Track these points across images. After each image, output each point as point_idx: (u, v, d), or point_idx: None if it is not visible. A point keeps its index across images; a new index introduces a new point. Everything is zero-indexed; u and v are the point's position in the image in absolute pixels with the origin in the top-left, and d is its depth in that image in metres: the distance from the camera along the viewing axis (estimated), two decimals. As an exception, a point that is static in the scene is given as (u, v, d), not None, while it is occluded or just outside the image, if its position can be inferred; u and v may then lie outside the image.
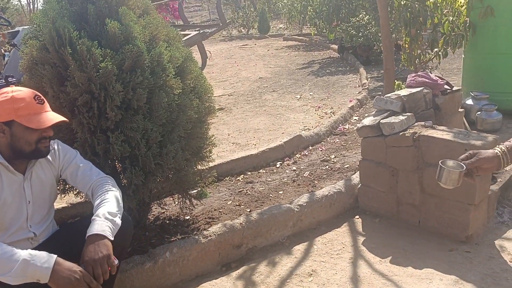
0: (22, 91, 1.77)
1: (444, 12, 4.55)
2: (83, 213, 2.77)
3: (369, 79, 6.91)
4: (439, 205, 2.59)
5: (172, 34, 2.65)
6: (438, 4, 4.51)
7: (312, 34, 11.92)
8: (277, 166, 3.82)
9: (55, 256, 1.58)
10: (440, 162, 1.59)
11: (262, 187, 3.38)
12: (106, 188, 1.92)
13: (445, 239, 2.55)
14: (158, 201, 2.81)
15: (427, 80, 3.23)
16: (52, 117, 1.80)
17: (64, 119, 1.84)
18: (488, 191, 2.64)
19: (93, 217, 1.77)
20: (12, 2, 27.48)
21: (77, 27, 2.25)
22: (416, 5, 4.47)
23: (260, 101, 6.41)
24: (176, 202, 2.80)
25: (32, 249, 1.63)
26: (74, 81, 2.15)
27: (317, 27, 10.98)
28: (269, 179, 3.54)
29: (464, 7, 4.50)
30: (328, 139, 4.43)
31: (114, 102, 2.19)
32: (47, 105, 1.83)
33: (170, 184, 2.54)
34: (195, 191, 2.75)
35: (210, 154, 2.80)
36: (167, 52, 2.44)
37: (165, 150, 2.36)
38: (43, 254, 1.58)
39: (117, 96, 2.19)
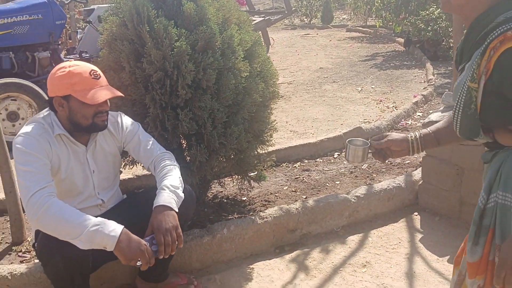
0: (78, 66, 1.82)
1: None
2: (148, 185, 2.91)
3: (435, 75, 6.65)
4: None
5: (243, 18, 2.69)
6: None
7: (377, 26, 11.61)
8: (335, 156, 3.80)
9: (122, 226, 1.64)
10: (347, 141, 1.63)
11: (319, 175, 3.39)
12: (168, 162, 2.00)
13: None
14: (218, 180, 2.89)
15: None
16: (107, 92, 1.83)
17: (119, 94, 1.88)
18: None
19: (158, 189, 1.85)
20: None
21: (155, 6, 2.34)
22: None
23: (319, 91, 6.36)
24: (235, 183, 2.87)
25: (100, 215, 1.72)
26: (150, 58, 2.25)
27: (383, 19, 10.69)
28: (326, 169, 3.53)
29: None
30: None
31: (186, 81, 2.27)
32: (103, 80, 1.87)
33: (231, 164, 2.60)
34: (254, 173, 2.80)
35: (271, 139, 2.84)
36: (238, 35, 2.49)
37: (229, 130, 2.42)
38: (112, 223, 1.64)
39: (188, 75, 2.26)
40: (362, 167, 3.49)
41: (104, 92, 1.83)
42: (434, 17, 7.98)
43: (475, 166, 2.59)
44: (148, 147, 2.06)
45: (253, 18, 6.76)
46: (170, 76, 2.29)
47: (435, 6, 8.23)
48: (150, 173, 2.11)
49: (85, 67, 1.83)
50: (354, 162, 1.66)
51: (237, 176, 2.78)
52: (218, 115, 2.38)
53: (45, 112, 1.91)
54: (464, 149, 2.63)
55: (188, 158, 2.50)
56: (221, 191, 3.02)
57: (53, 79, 1.82)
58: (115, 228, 1.62)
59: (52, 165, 1.79)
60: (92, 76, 1.82)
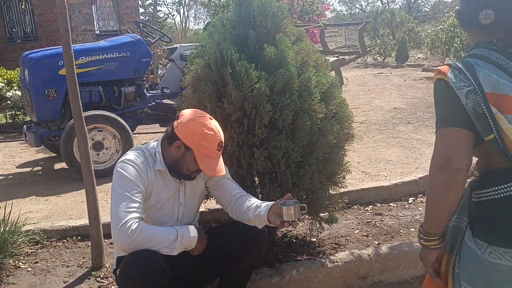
0: (213, 132, 1.95)
1: None
2: (219, 219, 2.98)
3: None
4: None
5: (321, 61, 2.75)
6: None
7: (454, 66, 11.25)
8: (410, 201, 3.67)
9: (193, 226, 1.97)
10: (280, 203, 1.87)
11: (392, 221, 3.28)
12: (255, 199, 2.10)
13: None
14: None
15: None
16: (218, 168, 1.99)
17: (224, 172, 2.05)
18: None
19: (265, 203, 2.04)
20: (167, 20, 30.74)
21: (238, 49, 2.47)
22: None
23: (393, 132, 6.22)
24: (305, 223, 2.86)
25: None
26: (231, 99, 2.35)
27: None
28: (400, 214, 3.42)
29: None
30: (469, 180, 4.11)
31: (263, 121, 2.34)
32: (221, 153, 2.03)
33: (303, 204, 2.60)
34: (325, 214, 2.78)
35: (344, 180, 2.82)
36: (315, 77, 2.54)
37: (302, 170, 2.44)
38: (187, 226, 1.95)
39: (266, 115, 2.34)
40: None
41: (216, 167, 1.99)
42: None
43: None
44: (228, 186, 2.16)
45: (328, 58, 6.85)
46: (248, 116, 2.37)
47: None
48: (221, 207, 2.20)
49: (218, 137, 1.98)
50: (288, 221, 1.84)
51: (308, 216, 2.77)
52: (293, 155, 2.41)
53: (153, 141, 2.08)
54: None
55: (260, 195, 2.54)
56: (291, 230, 3.02)
57: (189, 127, 1.96)
58: (192, 229, 1.95)
59: (146, 192, 1.94)
60: (218, 148, 1.99)
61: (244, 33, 2.56)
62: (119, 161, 1.95)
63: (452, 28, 9.75)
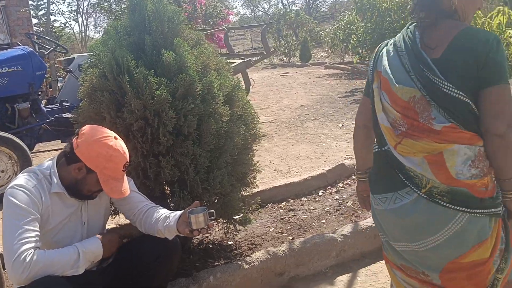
0: (119, 154, 1.84)
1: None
2: (131, 234, 2.86)
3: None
4: None
5: (222, 64, 2.75)
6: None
7: (354, 62, 11.93)
8: (320, 194, 3.81)
9: (96, 236, 1.87)
10: (187, 212, 1.84)
11: (305, 215, 3.38)
12: (164, 210, 2.02)
13: None
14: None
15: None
16: (124, 189, 1.89)
17: (128, 193, 1.94)
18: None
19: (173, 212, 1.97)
20: (65, 29, 29.11)
21: (135, 56, 2.38)
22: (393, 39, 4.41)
23: (301, 129, 6.44)
24: (220, 227, 2.84)
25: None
26: (131, 108, 2.26)
27: (359, 55, 11.02)
28: (312, 208, 3.53)
29: (513, 38, 4.41)
30: (372, 168, 4.37)
31: (167, 128, 2.28)
32: (125, 173, 1.93)
33: (215, 208, 2.58)
34: (239, 216, 2.79)
35: (254, 181, 2.84)
36: (217, 80, 2.53)
37: (212, 175, 2.42)
38: (87, 240, 1.86)
39: (169, 122, 2.28)
40: (347, 204, 3.50)
41: (120, 189, 1.88)
42: (408, 52, 8.27)
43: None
44: (135, 197, 2.07)
45: (233, 61, 6.90)
46: (151, 124, 2.30)
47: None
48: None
49: (124, 158, 1.87)
50: (197, 229, 1.82)
51: (222, 220, 2.75)
52: (201, 160, 2.38)
53: (47, 160, 1.92)
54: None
55: (172, 205, 2.48)
56: (207, 236, 2.98)
57: (93, 149, 1.81)
58: (95, 240, 1.84)
59: (42, 217, 1.78)
60: (123, 169, 1.87)
61: (140, 39, 2.48)
62: (8, 187, 1.77)
63: (348, 26, 10.34)
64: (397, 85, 1.50)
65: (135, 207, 2.06)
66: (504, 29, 4.47)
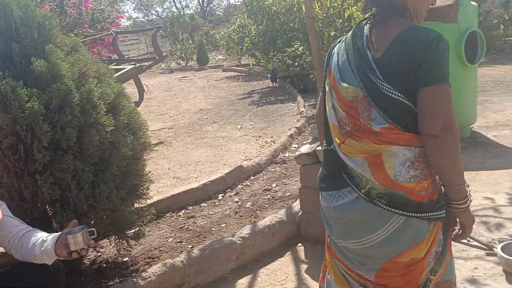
0: None
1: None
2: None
3: (307, 106, 7.11)
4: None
5: (103, 70, 2.60)
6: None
7: (251, 65, 12.17)
8: (219, 198, 3.79)
9: None
10: (64, 233, 1.72)
11: (204, 221, 3.33)
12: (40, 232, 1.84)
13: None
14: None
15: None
16: None
17: (1, 217, 1.76)
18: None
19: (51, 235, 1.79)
20: None
21: (1, 67, 2.15)
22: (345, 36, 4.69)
23: (200, 133, 6.39)
24: (113, 244, 2.68)
25: None
26: (-3, 123, 2.03)
27: (255, 57, 11.25)
28: (211, 213, 3.49)
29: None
30: (269, 168, 4.47)
31: (42, 143, 2.09)
32: None
33: (105, 225, 2.43)
34: (132, 231, 2.65)
35: (148, 191, 2.73)
36: (98, 88, 2.38)
37: (98, 190, 2.27)
38: None
39: (44, 136, 2.09)
40: (246, 205, 3.52)
41: None
42: (299, 53, 8.61)
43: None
44: (8, 222, 1.86)
45: (123, 67, 6.62)
46: (23, 140, 2.09)
47: (299, 43, 8.88)
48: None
49: None
50: (76, 250, 1.70)
51: (114, 237, 2.60)
52: (84, 175, 2.22)
53: None
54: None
55: (55, 225, 2.28)
56: (99, 255, 2.80)
57: None
58: None
59: None
60: None
61: (7, 47, 2.24)
62: None
63: (241, 29, 10.48)
64: (342, 84, 1.49)
65: (9, 233, 1.86)
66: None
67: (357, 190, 1.45)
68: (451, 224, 1.48)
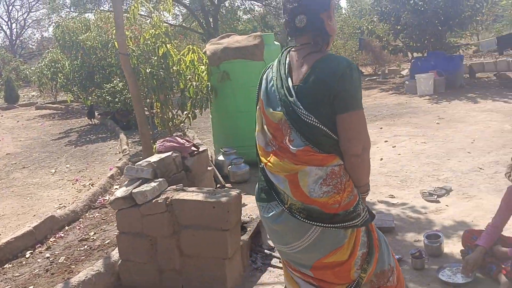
0: None
1: (188, 78, 4.91)
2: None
3: (130, 144, 6.87)
4: (198, 265, 2.65)
5: None
6: (182, 71, 4.84)
7: (69, 101, 11.31)
8: (27, 256, 3.32)
9: None
10: None
11: (8, 285, 2.86)
12: None
13: (208, 298, 2.59)
14: None
15: (175, 144, 3.36)
16: None
17: None
18: (240, 242, 2.83)
19: None
20: None
21: None
22: (161, 73, 4.69)
23: (7, 181, 5.61)
24: None
25: None
26: None
27: (73, 93, 10.49)
28: (17, 274, 3.03)
29: (204, 73, 4.95)
30: (87, 214, 4.12)
31: None
32: None
33: None
34: None
35: None
36: None
37: None
38: None
39: None
40: (60, 261, 3.15)
41: None
42: (119, 89, 8.32)
43: (165, 232, 2.67)
44: None
45: None
46: None
47: (118, 79, 8.58)
48: None
49: None
50: None
51: None
52: None
53: None
54: (152, 218, 2.69)
55: None
56: None
57: None
58: None
59: None
60: None
61: None
62: None
63: (53, 64, 9.70)
64: (268, 108, 1.67)
65: None
66: (197, 65, 4.98)
67: (281, 205, 1.65)
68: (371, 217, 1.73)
